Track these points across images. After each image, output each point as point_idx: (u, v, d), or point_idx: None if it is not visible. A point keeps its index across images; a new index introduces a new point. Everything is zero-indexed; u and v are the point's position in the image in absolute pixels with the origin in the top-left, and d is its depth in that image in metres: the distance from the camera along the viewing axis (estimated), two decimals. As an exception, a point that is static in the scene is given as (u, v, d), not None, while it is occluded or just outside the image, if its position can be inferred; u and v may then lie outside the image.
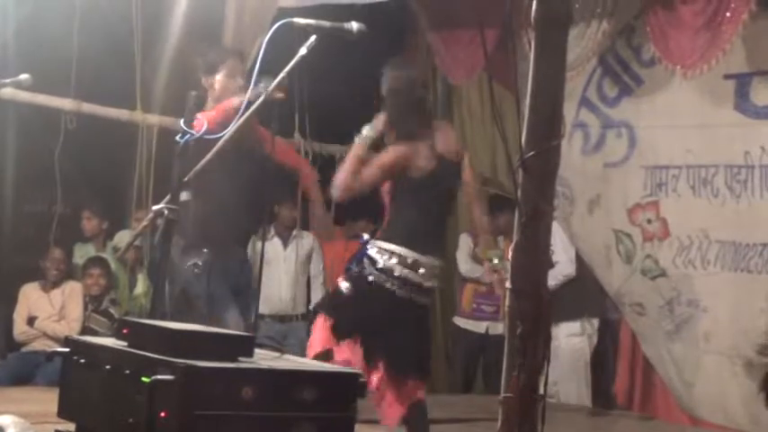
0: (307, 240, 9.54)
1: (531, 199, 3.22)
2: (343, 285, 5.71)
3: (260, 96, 4.94)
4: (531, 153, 3.19)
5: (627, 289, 8.44)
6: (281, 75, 4.77)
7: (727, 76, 7.71)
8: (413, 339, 5.69)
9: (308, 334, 9.46)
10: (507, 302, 3.25)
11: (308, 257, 9.52)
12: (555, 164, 3.28)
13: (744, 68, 7.64)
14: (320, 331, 5.78)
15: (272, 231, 9.24)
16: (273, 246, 9.15)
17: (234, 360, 3.48)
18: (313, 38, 4.72)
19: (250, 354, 3.57)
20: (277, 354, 3.79)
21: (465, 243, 9.43)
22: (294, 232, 9.48)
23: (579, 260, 8.75)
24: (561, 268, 8.58)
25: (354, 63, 8.14)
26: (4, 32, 8.17)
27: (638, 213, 8.33)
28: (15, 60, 7.78)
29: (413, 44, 10.25)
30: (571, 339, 8.72)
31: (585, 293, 8.74)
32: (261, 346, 3.81)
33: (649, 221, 8.26)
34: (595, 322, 8.94)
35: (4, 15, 8.13)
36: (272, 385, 3.41)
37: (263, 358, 3.65)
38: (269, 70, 4.89)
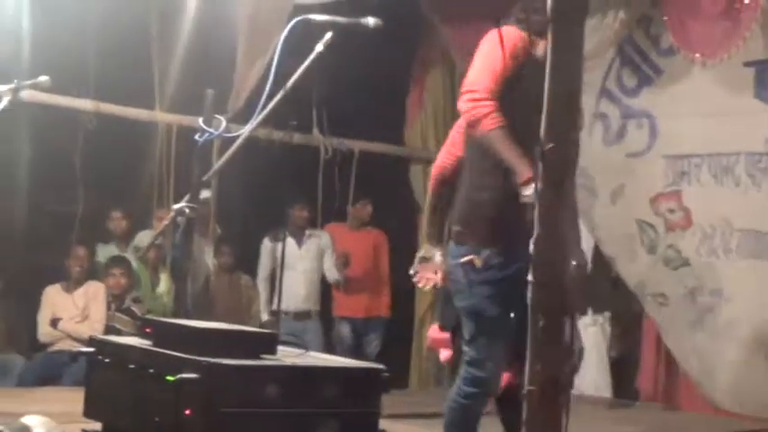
0: (321, 239, 9.57)
1: (550, 191, 3.21)
2: None
3: None
4: (550, 145, 3.19)
5: (649, 279, 8.42)
6: (299, 71, 4.77)
7: (746, 64, 7.69)
8: None
9: (324, 331, 9.58)
10: (529, 295, 3.24)
11: (322, 255, 9.55)
12: (574, 155, 3.28)
13: (763, 56, 7.62)
14: None
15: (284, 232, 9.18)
16: (288, 246, 9.16)
17: (257, 357, 3.49)
18: (329, 34, 4.72)
19: (273, 351, 3.58)
20: (300, 350, 3.79)
21: None
22: (307, 231, 9.51)
23: (594, 254, 8.71)
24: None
25: (371, 58, 8.15)
26: (22, 35, 8.20)
27: (660, 203, 8.32)
28: (34, 62, 7.80)
29: (429, 38, 10.24)
30: (586, 330, 8.71)
31: (597, 288, 8.72)
32: (285, 343, 3.81)
33: (672, 211, 8.24)
34: (607, 315, 8.93)
35: (21, 18, 8.15)
36: (296, 382, 3.42)
37: (287, 355, 3.66)
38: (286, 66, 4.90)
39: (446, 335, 5.40)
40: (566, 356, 3.26)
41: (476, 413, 4.68)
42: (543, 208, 3.22)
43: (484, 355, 4.50)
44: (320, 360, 3.80)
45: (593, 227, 8.66)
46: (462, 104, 4.58)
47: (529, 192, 3.99)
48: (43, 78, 5.86)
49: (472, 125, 4.52)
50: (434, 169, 5.31)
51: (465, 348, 4.58)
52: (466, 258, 4.48)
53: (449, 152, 5.21)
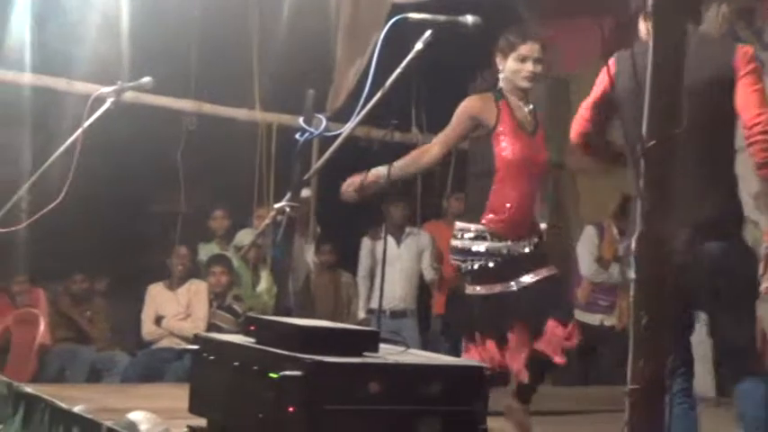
0: (421, 238, 9.58)
1: (653, 188, 3.19)
2: None
3: None
4: (652, 143, 3.16)
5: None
6: (398, 70, 4.79)
7: None
8: None
9: (420, 330, 9.59)
10: (632, 293, 3.22)
11: (421, 254, 9.55)
12: (677, 152, 3.24)
13: None
14: None
15: (383, 230, 9.17)
16: (387, 244, 9.17)
17: (359, 355, 3.50)
18: (428, 32, 4.73)
19: (375, 349, 3.59)
20: (402, 348, 3.81)
21: (589, 237, 9.34)
22: (407, 230, 9.53)
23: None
24: None
25: (469, 55, 8.13)
26: (122, 36, 8.32)
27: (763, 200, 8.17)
28: (136, 64, 7.93)
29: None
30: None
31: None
32: (386, 340, 3.83)
33: (775, 208, 8.10)
34: None
35: (120, 19, 8.27)
36: (399, 380, 3.43)
37: (389, 353, 3.68)
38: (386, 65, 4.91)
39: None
40: (668, 354, 3.23)
41: None
42: (646, 205, 3.19)
43: None
44: (422, 358, 3.80)
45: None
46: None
47: None
48: (146, 79, 5.95)
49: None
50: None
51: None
52: None
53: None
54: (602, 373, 9.08)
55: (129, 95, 6.41)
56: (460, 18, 4.82)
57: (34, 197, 6.11)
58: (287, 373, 3.30)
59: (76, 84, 8.09)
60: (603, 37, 3.87)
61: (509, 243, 5.40)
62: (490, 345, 5.37)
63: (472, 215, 5.50)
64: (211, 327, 8.73)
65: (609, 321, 8.99)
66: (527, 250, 5.44)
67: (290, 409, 3.29)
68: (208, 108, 8.99)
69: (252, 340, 3.71)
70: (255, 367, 3.49)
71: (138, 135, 8.92)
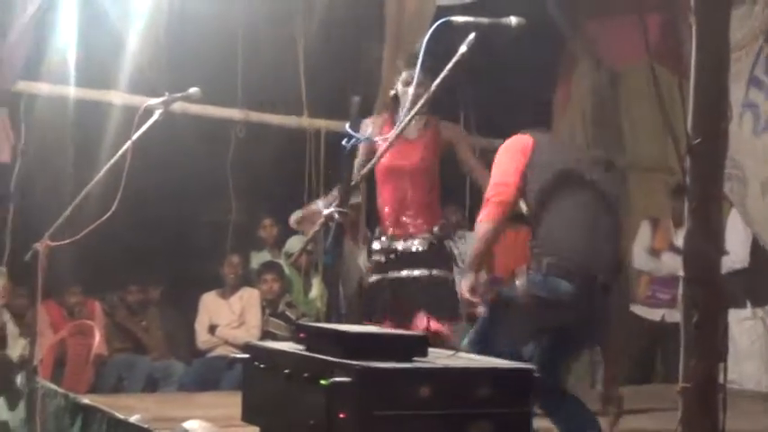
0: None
1: (700, 184, 3.17)
2: None
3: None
4: (698, 139, 3.14)
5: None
6: (443, 73, 4.79)
7: None
8: None
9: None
10: (681, 290, 3.20)
11: None
12: (723, 148, 3.22)
13: None
14: None
15: None
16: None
17: (409, 360, 3.50)
18: (472, 35, 4.72)
19: (424, 353, 3.59)
20: (451, 352, 3.80)
21: (643, 232, 9.30)
22: (459, 233, 9.50)
23: (752, 246, 8.54)
24: (733, 258, 8.35)
25: (516, 56, 8.12)
26: (169, 48, 8.38)
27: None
28: (183, 74, 7.99)
29: (575, 34, 10.16)
30: (743, 323, 8.52)
31: (757, 280, 8.53)
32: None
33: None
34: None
35: (167, 31, 8.33)
36: (449, 384, 3.42)
37: (438, 357, 3.67)
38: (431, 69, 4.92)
39: None
40: (720, 351, 3.21)
41: None
42: (694, 202, 3.17)
43: None
44: (471, 361, 3.79)
45: (748, 219, 8.49)
46: None
47: None
48: (193, 90, 6.01)
49: None
50: None
51: None
52: None
53: None
54: (666, 371, 9.02)
55: (177, 106, 6.48)
56: (504, 20, 4.80)
57: (87, 210, 6.18)
58: (337, 379, 3.30)
59: (124, 96, 8.16)
60: (647, 34, 3.86)
61: (400, 241, 6.24)
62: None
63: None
64: (265, 334, 8.77)
65: (671, 316, 8.86)
66: (415, 249, 6.21)
67: (341, 415, 3.29)
68: (255, 116, 9.02)
69: (302, 347, 3.72)
70: (306, 374, 3.49)
71: (188, 145, 8.98)
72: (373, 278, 6.29)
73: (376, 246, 6.34)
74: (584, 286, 4.85)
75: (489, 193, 5.01)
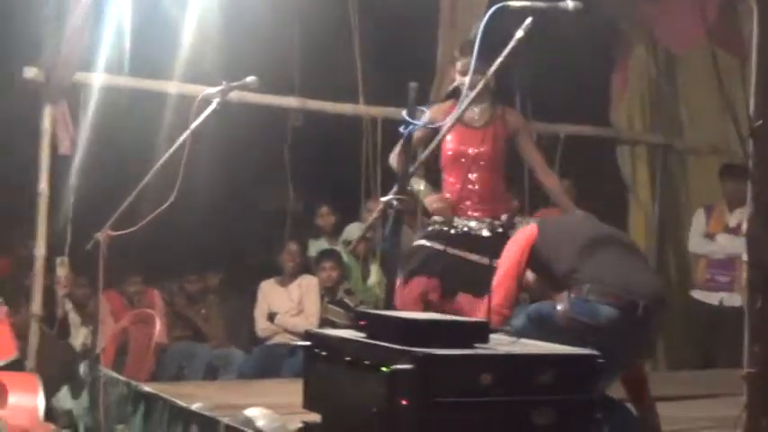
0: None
1: (762, 168, 3.13)
2: None
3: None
4: (760, 121, 3.10)
5: None
6: (500, 58, 4.77)
7: None
8: None
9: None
10: (744, 275, 3.17)
11: None
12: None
13: None
14: None
15: None
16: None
17: (470, 347, 3.50)
18: (529, 19, 4.70)
19: (485, 340, 3.58)
20: (513, 338, 3.79)
21: (698, 219, 9.24)
22: (517, 219, 9.44)
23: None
24: None
25: (573, 39, 8.07)
26: (225, 37, 8.39)
27: None
28: (240, 63, 8.01)
29: (632, 16, 10.06)
30: None
31: None
32: (496, 331, 3.82)
33: None
34: None
35: (224, 20, 8.34)
36: (510, 370, 3.42)
37: (499, 343, 3.66)
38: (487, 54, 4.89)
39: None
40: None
41: None
42: (756, 186, 3.14)
43: None
44: (533, 347, 3.78)
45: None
46: None
47: None
48: (250, 79, 6.02)
49: None
50: None
51: None
52: None
53: None
54: (727, 356, 8.89)
55: (234, 95, 6.50)
56: (561, 3, 4.76)
57: (146, 200, 6.22)
58: (398, 366, 3.30)
59: (181, 86, 8.19)
60: (706, 17, 3.82)
61: (464, 221, 6.30)
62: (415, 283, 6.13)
63: None
64: (324, 322, 8.78)
65: (730, 300, 8.76)
66: (479, 233, 6.29)
67: (403, 402, 3.30)
68: (312, 104, 9.02)
69: (362, 335, 3.72)
70: (367, 362, 3.50)
71: (245, 134, 9.00)
72: (429, 243, 6.26)
73: (438, 219, 6.32)
74: (627, 311, 4.92)
75: (494, 302, 5.09)
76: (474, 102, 5.51)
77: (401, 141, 5.24)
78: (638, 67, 10.19)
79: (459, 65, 6.23)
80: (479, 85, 5.05)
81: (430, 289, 6.14)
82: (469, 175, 6.37)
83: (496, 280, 5.20)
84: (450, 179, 6.41)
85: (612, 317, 4.90)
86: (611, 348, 4.88)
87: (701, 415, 6.18)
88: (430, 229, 6.35)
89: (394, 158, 6.28)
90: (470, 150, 6.33)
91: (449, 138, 6.06)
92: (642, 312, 4.92)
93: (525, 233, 5.38)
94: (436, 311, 5.72)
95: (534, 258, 5.26)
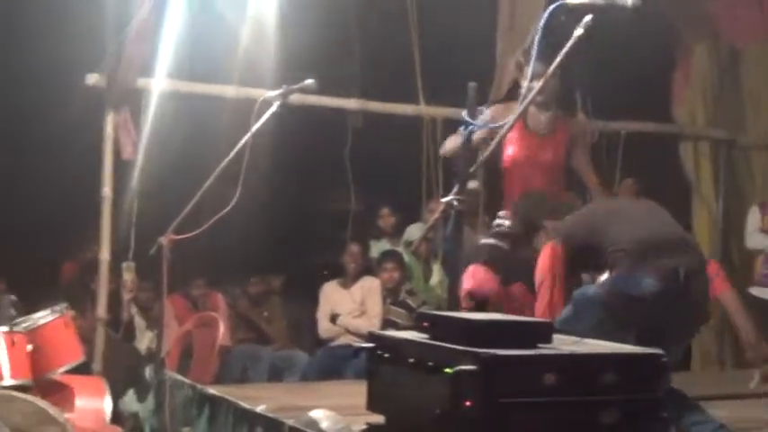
0: None
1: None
2: None
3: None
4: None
5: None
6: (559, 57, 4.75)
7: None
8: None
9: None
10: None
11: None
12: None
13: None
14: None
15: None
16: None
17: (534, 347, 3.49)
18: (588, 17, 4.67)
19: (549, 340, 3.57)
20: (576, 338, 3.77)
21: (753, 215, 9.17)
22: None
23: None
24: None
25: (633, 36, 8.01)
26: (284, 39, 8.42)
27: None
28: (300, 66, 8.03)
29: (694, 12, 9.97)
30: None
31: None
32: (559, 331, 3.81)
33: None
34: None
35: (282, 22, 8.37)
36: (574, 370, 3.40)
37: (563, 343, 3.65)
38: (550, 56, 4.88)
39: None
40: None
41: None
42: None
43: None
44: (597, 347, 3.76)
45: None
46: None
47: None
48: (309, 81, 6.04)
49: None
50: None
51: None
52: None
53: None
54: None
55: (294, 98, 6.51)
56: (619, 1, 4.73)
57: (208, 203, 6.25)
58: (462, 367, 3.30)
59: (240, 89, 8.23)
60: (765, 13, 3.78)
61: None
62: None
63: None
64: (386, 323, 8.79)
65: None
66: None
67: (467, 403, 3.29)
68: (373, 105, 9.03)
69: (425, 336, 3.72)
70: (430, 363, 3.50)
71: (306, 136, 9.03)
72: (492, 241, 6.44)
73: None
74: (668, 281, 5.03)
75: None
76: (540, 109, 5.55)
77: (458, 132, 5.29)
78: (699, 62, 10.09)
79: (526, 70, 6.22)
80: (537, 86, 5.05)
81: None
82: (531, 180, 6.56)
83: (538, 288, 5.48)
84: (511, 183, 6.61)
85: (654, 288, 5.02)
86: (656, 318, 5.04)
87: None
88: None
89: (448, 146, 6.55)
90: (534, 157, 6.56)
91: (513, 143, 6.23)
92: (684, 279, 5.03)
93: (546, 252, 5.57)
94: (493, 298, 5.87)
95: (570, 255, 5.41)
